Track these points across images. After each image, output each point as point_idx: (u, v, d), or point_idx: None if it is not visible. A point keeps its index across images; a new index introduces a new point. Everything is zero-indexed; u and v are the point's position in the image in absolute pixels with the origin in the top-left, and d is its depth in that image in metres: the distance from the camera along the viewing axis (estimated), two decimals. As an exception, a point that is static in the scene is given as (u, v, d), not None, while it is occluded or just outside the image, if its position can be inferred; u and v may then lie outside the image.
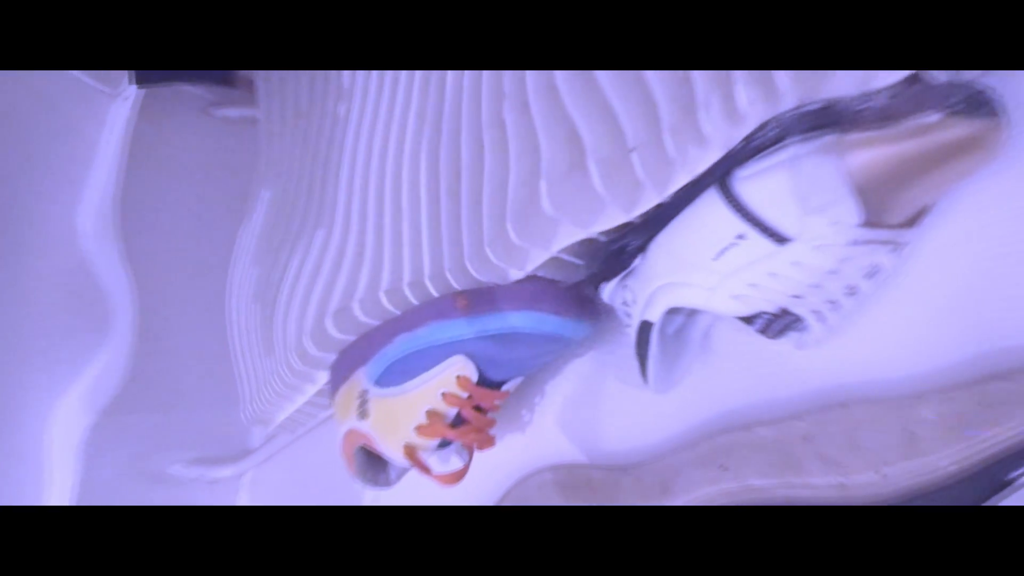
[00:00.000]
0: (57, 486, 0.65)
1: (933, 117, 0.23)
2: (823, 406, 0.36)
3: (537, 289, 0.42)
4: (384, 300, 0.46)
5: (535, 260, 0.40)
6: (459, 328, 0.42)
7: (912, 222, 0.28)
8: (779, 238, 0.29)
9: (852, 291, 0.30)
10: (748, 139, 0.31)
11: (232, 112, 0.74)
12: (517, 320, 0.41)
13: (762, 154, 0.31)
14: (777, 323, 0.33)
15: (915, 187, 0.25)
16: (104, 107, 0.73)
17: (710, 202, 0.33)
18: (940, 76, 0.26)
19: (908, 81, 0.26)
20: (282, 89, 0.66)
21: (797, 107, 0.30)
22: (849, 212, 0.26)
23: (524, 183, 0.38)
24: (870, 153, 0.25)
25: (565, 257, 0.41)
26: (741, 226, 0.30)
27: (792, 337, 0.35)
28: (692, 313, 0.42)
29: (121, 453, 0.67)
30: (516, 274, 0.41)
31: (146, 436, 0.69)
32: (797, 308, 0.32)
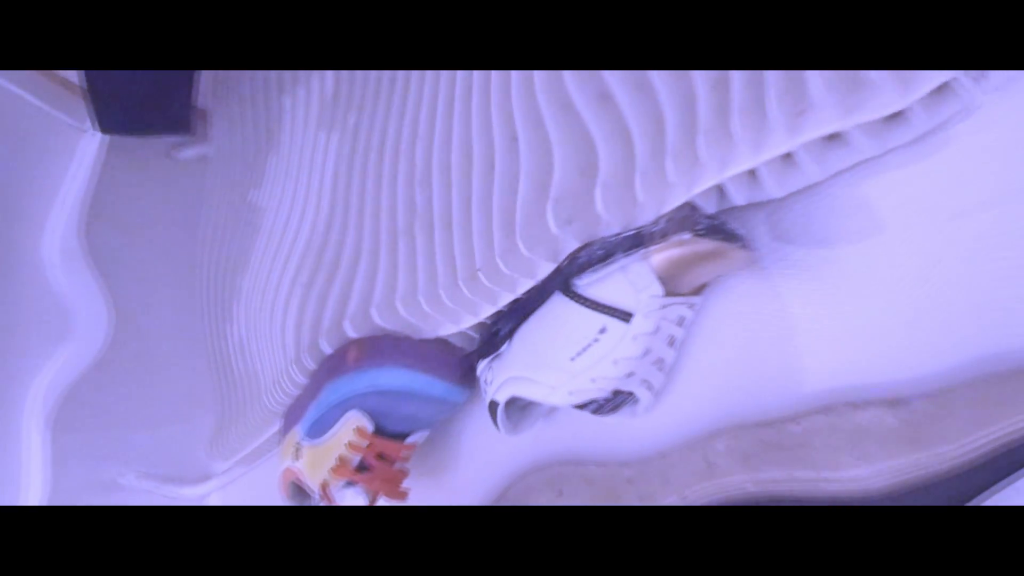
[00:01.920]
0: (32, 492, 0.71)
1: (686, 236, 0.35)
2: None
3: (434, 353, 0.49)
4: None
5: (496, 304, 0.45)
6: (350, 384, 0.50)
7: (698, 292, 0.40)
8: (626, 316, 0.38)
9: (671, 341, 0.40)
10: (573, 256, 0.37)
11: (191, 152, 0.79)
12: (409, 379, 0.48)
13: (595, 267, 0.38)
14: (607, 405, 0.39)
15: (691, 274, 0.38)
16: (74, 141, 0.79)
17: (565, 307, 0.40)
18: (704, 207, 0.37)
19: (681, 209, 0.37)
20: (231, 134, 0.71)
21: (617, 234, 0.37)
22: (656, 288, 0.37)
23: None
24: (662, 255, 0.37)
25: (469, 332, 0.48)
26: (601, 319, 0.39)
27: (625, 411, 0.41)
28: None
29: (81, 466, 0.73)
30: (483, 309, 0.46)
31: (109, 448, 0.75)
32: (628, 386, 0.40)
